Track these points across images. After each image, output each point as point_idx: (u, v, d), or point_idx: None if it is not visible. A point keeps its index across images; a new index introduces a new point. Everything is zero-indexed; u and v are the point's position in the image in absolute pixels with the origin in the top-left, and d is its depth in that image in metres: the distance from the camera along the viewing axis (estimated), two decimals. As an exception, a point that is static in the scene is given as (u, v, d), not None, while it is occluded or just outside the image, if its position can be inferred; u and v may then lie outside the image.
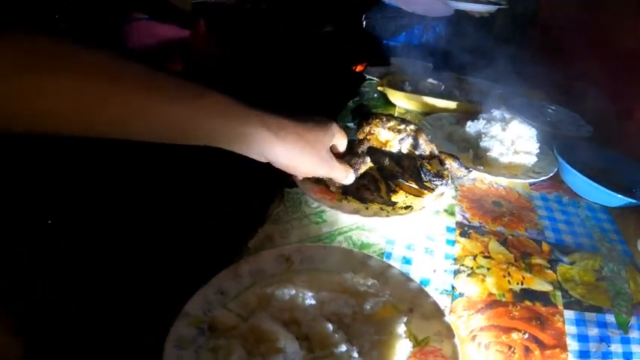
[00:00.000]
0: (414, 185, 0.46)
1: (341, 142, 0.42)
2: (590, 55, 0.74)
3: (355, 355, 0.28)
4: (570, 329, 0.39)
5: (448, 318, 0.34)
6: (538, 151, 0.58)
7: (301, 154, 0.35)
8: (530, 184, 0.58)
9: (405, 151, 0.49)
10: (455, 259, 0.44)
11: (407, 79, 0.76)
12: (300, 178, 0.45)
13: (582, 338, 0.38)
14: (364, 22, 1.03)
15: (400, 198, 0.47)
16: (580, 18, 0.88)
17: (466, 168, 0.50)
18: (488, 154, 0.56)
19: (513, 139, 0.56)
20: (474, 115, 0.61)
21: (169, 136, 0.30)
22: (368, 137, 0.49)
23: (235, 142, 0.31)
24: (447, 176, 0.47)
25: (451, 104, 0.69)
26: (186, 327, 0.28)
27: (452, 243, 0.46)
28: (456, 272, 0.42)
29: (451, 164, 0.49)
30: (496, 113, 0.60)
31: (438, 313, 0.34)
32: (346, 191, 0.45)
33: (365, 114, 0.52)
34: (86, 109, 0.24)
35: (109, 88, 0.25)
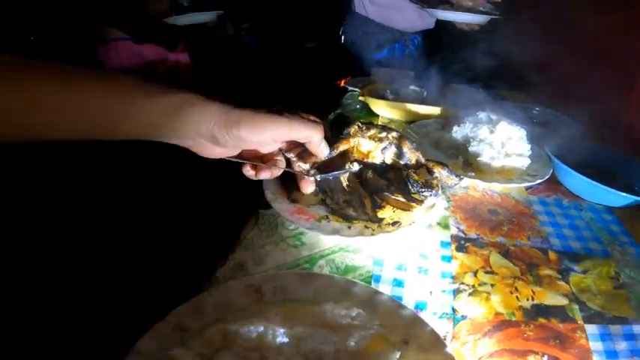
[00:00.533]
0: (401, 198, 0.43)
1: (321, 147, 0.37)
2: (569, 53, 0.76)
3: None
4: (595, 346, 0.36)
5: (450, 348, 0.30)
6: (530, 152, 0.56)
7: (253, 114, 0.32)
8: (527, 189, 0.56)
9: (388, 161, 0.47)
10: (453, 278, 0.40)
11: (388, 88, 0.76)
12: (259, 147, 0.37)
13: (611, 354, 0.35)
14: (342, 37, 1.06)
15: (387, 213, 0.44)
16: (555, 16, 0.90)
17: (457, 175, 0.47)
18: (478, 159, 0.54)
19: (503, 142, 0.55)
20: (459, 120, 0.60)
21: (101, 130, 0.29)
22: (349, 148, 0.47)
23: (163, 122, 0.29)
24: (437, 186, 0.45)
25: (435, 110, 0.68)
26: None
27: (448, 259, 0.42)
28: (456, 292, 0.38)
29: (440, 172, 0.47)
30: (482, 115, 0.59)
31: (437, 343, 0.30)
32: (332, 210, 0.43)
33: (343, 124, 0.50)
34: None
35: (18, 84, 0.25)
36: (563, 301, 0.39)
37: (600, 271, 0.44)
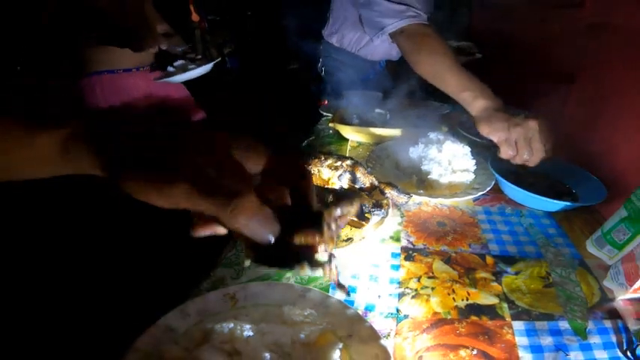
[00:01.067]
0: (354, 218, 0.53)
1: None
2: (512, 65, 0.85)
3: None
4: (521, 340, 0.41)
5: (384, 341, 0.39)
6: (475, 167, 0.65)
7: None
8: (474, 200, 0.65)
9: (345, 186, 0.56)
10: (399, 283, 0.48)
11: (355, 113, 0.86)
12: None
13: (536, 349, 0.40)
14: (321, 70, 1.16)
15: (345, 232, 0.53)
16: (506, 29, 1.01)
17: (406, 194, 0.57)
18: (429, 177, 0.64)
19: (449, 159, 0.64)
20: (413, 141, 0.70)
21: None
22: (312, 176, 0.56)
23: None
24: (387, 205, 0.54)
25: (396, 131, 0.78)
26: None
27: (396, 268, 0.51)
28: (401, 295, 0.46)
29: (391, 192, 0.56)
30: (432, 136, 0.69)
31: (374, 336, 0.39)
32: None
33: (307, 154, 0.60)
34: None
35: None
36: (494, 301, 0.45)
37: (532, 272, 0.51)
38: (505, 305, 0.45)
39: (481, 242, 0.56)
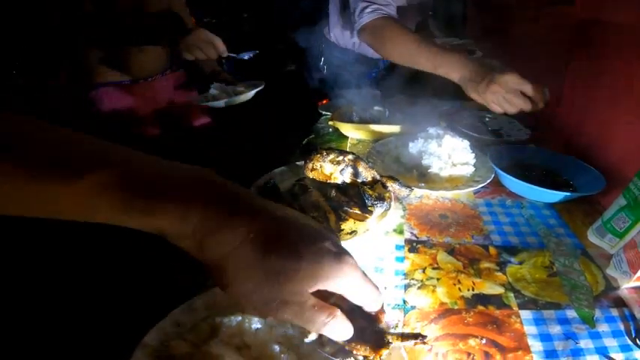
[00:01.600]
0: (357, 211, 0.54)
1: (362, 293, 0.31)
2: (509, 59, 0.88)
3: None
4: (530, 329, 0.41)
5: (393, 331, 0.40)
6: (475, 160, 0.67)
7: (251, 276, 0.25)
8: (475, 193, 0.66)
9: (348, 180, 0.57)
10: (405, 274, 0.49)
11: (355, 111, 0.88)
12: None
13: (545, 337, 0.41)
14: (324, 68, 1.18)
15: (349, 225, 0.54)
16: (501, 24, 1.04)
17: (407, 187, 0.58)
18: (429, 170, 0.65)
19: (449, 153, 0.66)
20: (413, 136, 0.71)
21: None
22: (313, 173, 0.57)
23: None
24: (389, 198, 0.55)
25: (395, 128, 0.79)
26: (145, 357, 0.33)
27: (401, 260, 0.52)
28: (407, 286, 0.48)
29: (393, 186, 0.58)
30: (431, 131, 0.70)
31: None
32: None
33: (309, 151, 0.61)
34: None
35: None
36: (499, 290, 0.47)
37: (535, 262, 0.52)
38: (511, 295, 0.47)
39: (483, 233, 0.58)
